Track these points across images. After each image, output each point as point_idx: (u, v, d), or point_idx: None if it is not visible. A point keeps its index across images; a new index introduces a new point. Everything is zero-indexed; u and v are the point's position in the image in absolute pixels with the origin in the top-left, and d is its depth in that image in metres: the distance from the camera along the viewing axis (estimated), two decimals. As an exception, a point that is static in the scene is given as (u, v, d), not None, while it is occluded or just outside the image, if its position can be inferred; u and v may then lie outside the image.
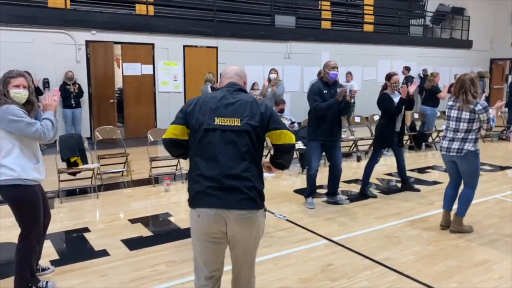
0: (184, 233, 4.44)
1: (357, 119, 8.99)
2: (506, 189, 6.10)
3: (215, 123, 2.38)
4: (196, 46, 10.92)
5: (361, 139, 8.48)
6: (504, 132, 10.48)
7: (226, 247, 2.48)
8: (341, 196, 5.58)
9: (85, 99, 9.56)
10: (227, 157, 2.34)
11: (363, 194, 5.74)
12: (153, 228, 4.66)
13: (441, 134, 9.42)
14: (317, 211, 5.14)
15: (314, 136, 5.20)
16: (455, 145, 4.27)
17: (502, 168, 7.42)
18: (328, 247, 4.14)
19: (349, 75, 11.24)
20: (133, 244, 4.17)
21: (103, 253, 3.96)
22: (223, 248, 2.47)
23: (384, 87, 5.85)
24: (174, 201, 5.61)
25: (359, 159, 8.06)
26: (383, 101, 5.72)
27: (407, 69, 11.66)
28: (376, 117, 9.06)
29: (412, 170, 7.04)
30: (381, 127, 5.80)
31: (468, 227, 4.46)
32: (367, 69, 13.64)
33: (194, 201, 2.40)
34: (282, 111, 7.61)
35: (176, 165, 6.64)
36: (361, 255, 3.94)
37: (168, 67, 10.64)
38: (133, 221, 4.82)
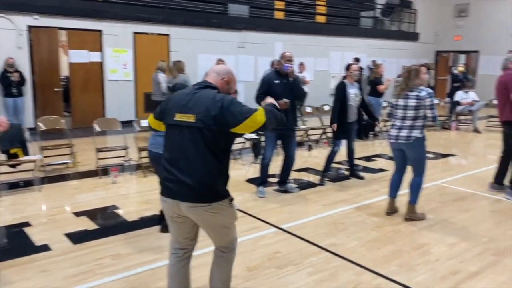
0: (131, 226, 4.36)
1: (308, 109, 9.12)
2: (446, 176, 6.42)
3: (175, 119, 2.53)
4: (147, 33, 10.64)
5: (312, 128, 8.63)
6: (447, 121, 11.01)
7: (192, 225, 2.67)
8: (292, 184, 5.66)
9: (28, 88, 9.10)
10: (182, 153, 2.50)
11: (319, 183, 5.86)
12: (98, 221, 4.53)
13: (387, 123, 9.80)
14: (268, 200, 5.20)
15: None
16: (404, 132, 4.42)
17: (444, 156, 7.80)
18: (276, 235, 4.20)
19: (301, 65, 11.37)
20: (77, 237, 4.04)
21: (44, 248, 3.81)
22: (187, 227, 2.66)
23: (345, 76, 5.95)
24: (121, 193, 5.48)
25: (310, 148, 8.21)
26: (336, 88, 5.83)
27: (357, 60, 11.94)
28: (327, 107, 9.28)
29: (360, 159, 7.25)
30: (332, 116, 5.93)
31: (421, 215, 4.63)
32: (319, 60, 13.86)
33: (160, 188, 2.63)
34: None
35: (125, 156, 6.47)
36: (308, 242, 4.02)
37: (117, 54, 10.31)
38: (78, 214, 4.67)
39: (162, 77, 8.37)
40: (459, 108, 10.78)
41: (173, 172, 2.50)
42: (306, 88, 11.04)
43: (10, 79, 8.48)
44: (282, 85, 5.19)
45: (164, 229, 4.18)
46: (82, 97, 9.97)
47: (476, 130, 10.37)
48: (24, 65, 9.05)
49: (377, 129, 9.67)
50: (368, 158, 7.48)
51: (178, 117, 2.50)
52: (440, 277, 3.38)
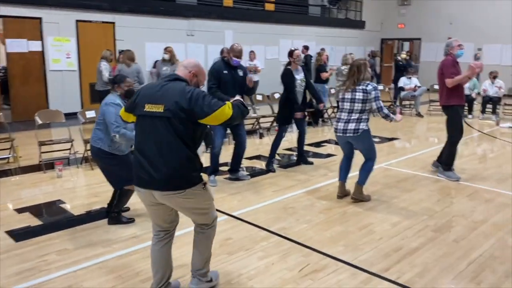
0: (78, 220, 4.24)
1: (259, 97, 9.18)
2: (391, 158, 6.70)
3: (145, 109, 2.61)
4: (91, 21, 10.24)
5: (263, 116, 8.70)
6: (392, 106, 11.44)
7: (170, 210, 2.76)
8: (243, 172, 5.71)
9: (-39, 79, 8.53)
10: (153, 142, 2.58)
11: (266, 170, 5.92)
12: (43, 217, 4.37)
13: (336, 110, 10.05)
14: (220, 188, 5.21)
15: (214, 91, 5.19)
16: (351, 126, 4.54)
17: (389, 140, 8.13)
18: (228, 222, 4.23)
19: (252, 53, 11.38)
20: (19, 235, 3.87)
21: (-16, 247, 3.63)
22: (165, 212, 2.75)
23: (289, 63, 5.99)
24: (67, 187, 5.29)
25: (261, 136, 8.28)
26: (284, 76, 5.89)
27: (306, 48, 12.12)
28: (277, 95, 9.36)
29: (310, 145, 7.41)
30: (282, 103, 6.00)
31: (368, 196, 4.82)
32: (270, 48, 13.94)
33: (134, 178, 2.69)
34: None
35: (70, 149, 6.25)
36: (259, 227, 4.09)
37: (60, 43, 9.87)
38: (20, 210, 4.47)
39: (104, 66, 8.10)
40: (402, 94, 11.24)
41: (144, 162, 2.58)
42: (257, 76, 11.12)
43: None
44: (231, 75, 5.22)
45: (112, 221, 4.11)
46: (22, 88, 9.47)
47: (419, 114, 10.87)
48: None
49: (326, 115, 9.91)
50: (317, 144, 7.66)
51: (147, 107, 2.59)
52: (383, 255, 3.55)
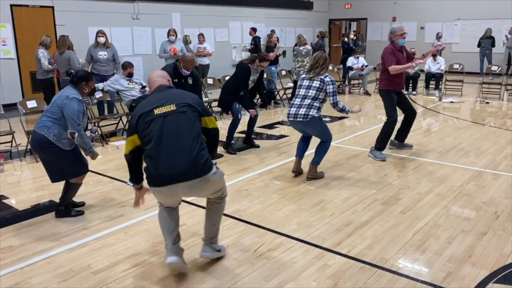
0: (24, 215, 4.05)
1: (210, 81, 9.08)
2: (342, 137, 6.87)
3: (155, 113, 2.79)
4: (27, 6, 9.64)
5: (215, 100, 8.60)
6: (340, 86, 11.69)
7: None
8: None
9: None
10: (171, 138, 2.75)
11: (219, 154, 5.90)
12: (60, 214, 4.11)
13: (287, 91, 10.14)
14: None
15: None
16: (301, 111, 4.66)
17: (339, 118, 8.31)
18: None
19: (201, 36, 11.18)
20: (-42, 234, 3.65)
21: None
22: (178, 198, 3.00)
23: (251, 61, 5.94)
24: (10, 182, 5.03)
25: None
26: (242, 70, 5.84)
27: (254, 30, 12.08)
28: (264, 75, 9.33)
29: (262, 127, 7.45)
30: (229, 91, 5.97)
31: (321, 173, 4.95)
32: (219, 30, 13.75)
33: (151, 181, 2.81)
34: (130, 75, 7.26)
35: (11, 142, 5.92)
36: (213, 211, 4.08)
37: (-6, 30, 9.23)
38: (-42, 208, 4.21)
39: (42, 53, 7.68)
40: (351, 73, 11.50)
41: (163, 161, 2.71)
42: (207, 60, 10.98)
43: None
44: (180, 84, 5.27)
45: (60, 215, 3.96)
46: (-46, 79, 8.83)
47: (367, 93, 11.19)
48: None
49: (277, 97, 9.96)
50: (270, 126, 7.72)
51: (157, 111, 2.80)
52: (335, 230, 3.66)
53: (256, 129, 6.72)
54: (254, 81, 6.02)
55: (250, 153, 6.03)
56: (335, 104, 4.71)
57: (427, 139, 6.74)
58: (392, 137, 5.87)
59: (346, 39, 12.71)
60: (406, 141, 6.07)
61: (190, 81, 5.31)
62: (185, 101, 2.88)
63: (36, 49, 7.87)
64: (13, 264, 3.16)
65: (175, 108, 2.81)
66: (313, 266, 3.10)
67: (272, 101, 9.76)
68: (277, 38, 10.23)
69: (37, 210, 4.15)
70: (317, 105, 4.70)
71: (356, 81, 11.89)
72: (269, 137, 6.95)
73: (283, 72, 10.12)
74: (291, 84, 10.24)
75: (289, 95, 10.11)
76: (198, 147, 2.75)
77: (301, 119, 4.68)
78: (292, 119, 4.76)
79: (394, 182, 4.81)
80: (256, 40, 11.45)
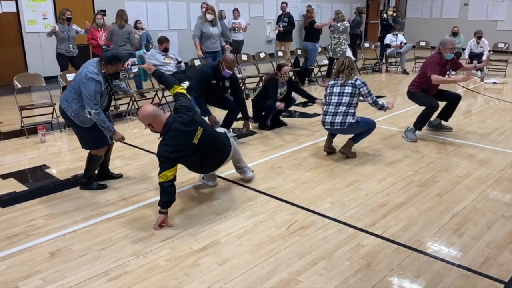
0: (64, 184, 4.21)
1: (244, 57, 9.02)
2: (377, 116, 6.68)
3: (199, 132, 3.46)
4: (67, -20, 9.77)
5: (249, 77, 8.59)
6: (377, 64, 11.39)
7: None
8: (230, 133, 5.65)
9: None
10: (213, 144, 3.64)
11: (252, 131, 5.91)
12: (28, 182, 4.32)
13: (322, 69, 9.97)
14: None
15: (200, 99, 5.21)
16: (338, 119, 4.64)
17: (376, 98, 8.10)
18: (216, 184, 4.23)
19: (236, 11, 11.07)
20: (5, 201, 3.83)
21: (-31, 214, 3.59)
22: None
23: (276, 72, 5.99)
24: (51, 152, 5.22)
25: (247, 97, 8.18)
26: (270, 83, 5.87)
27: (285, 4, 11.76)
28: (263, 55, 9.25)
29: (296, 105, 7.36)
30: (260, 106, 5.99)
31: (354, 153, 4.89)
32: (254, 5, 13.56)
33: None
34: (166, 50, 7.30)
35: (52, 113, 6.11)
36: (246, 187, 4.11)
37: (35, 3, 9.43)
38: (4, 176, 4.41)
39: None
40: (388, 51, 11.15)
41: (214, 155, 3.66)
42: (241, 35, 10.89)
43: None
44: (217, 86, 5.25)
45: (83, 187, 4.09)
46: (-2, 52, 9.14)
47: (404, 72, 10.85)
48: None
49: (312, 75, 9.80)
50: (304, 104, 7.62)
51: (199, 131, 3.48)
52: (369, 210, 3.62)
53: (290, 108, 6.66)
54: (283, 94, 6.02)
55: (283, 131, 6.00)
56: (374, 103, 4.74)
57: (467, 121, 6.50)
58: (433, 118, 5.71)
59: (385, 15, 12.28)
60: (446, 123, 5.89)
61: (227, 83, 5.29)
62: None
63: (73, 23, 7.97)
64: (56, 231, 3.30)
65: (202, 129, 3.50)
66: (346, 245, 3.09)
67: (307, 78, 9.64)
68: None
69: (77, 180, 4.30)
70: (353, 111, 4.67)
71: (393, 59, 11.53)
72: (302, 115, 6.88)
73: (319, 49, 9.91)
74: (326, 61, 10.05)
75: (324, 73, 9.94)
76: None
77: (338, 127, 4.67)
78: (328, 127, 4.76)
79: (431, 164, 4.69)
80: (290, 16, 11.14)
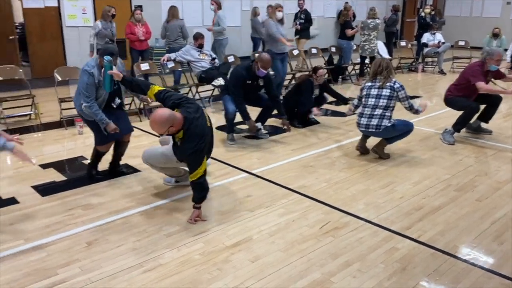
0: (102, 176, 4.30)
1: (295, 52, 9.08)
2: (412, 117, 6.51)
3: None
4: (106, -25, 9.98)
5: (300, 71, 8.59)
6: (413, 63, 11.13)
7: None
8: (262, 130, 5.67)
9: (-21, 36, 8.51)
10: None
11: (284, 129, 5.87)
12: (67, 172, 4.45)
13: (356, 67, 9.83)
14: (238, 146, 5.21)
15: (241, 103, 5.22)
16: (374, 122, 4.56)
17: (411, 98, 7.90)
18: (247, 180, 4.25)
19: (270, 8, 10.99)
20: (45, 190, 3.97)
21: (12, 201, 3.73)
22: None
23: (311, 74, 6.00)
24: (88, 144, 5.31)
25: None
26: (305, 85, 5.90)
27: (303, 1, 11.51)
28: (314, 50, 9.23)
29: (329, 103, 7.28)
30: (289, 100, 6.03)
31: (387, 154, 4.80)
32: (289, 1, 13.43)
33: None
34: (201, 46, 7.36)
35: (90, 106, 6.25)
36: (279, 185, 4.10)
37: (76, -2, 9.69)
38: (44, 166, 4.56)
39: (95, 25, 7.77)
40: (425, 50, 10.87)
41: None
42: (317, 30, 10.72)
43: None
44: (252, 86, 5.23)
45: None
46: (40, 45, 9.43)
47: (441, 72, 10.55)
48: (-27, 12, 8.41)
49: (346, 73, 9.67)
50: (337, 102, 7.52)
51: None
52: (405, 213, 3.54)
53: (323, 106, 6.60)
54: (316, 95, 6.02)
55: (316, 129, 5.95)
56: (410, 108, 4.67)
57: (507, 124, 6.27)
58: (473, 120, 5.54)
59: (422, 13, 11.97)
60: (486, 126, 5.69)
61: (261, 82, 5.27)
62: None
63: (111, 19, 8.13)
64: (93, 221, 3.39)
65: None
66: (380, 248, 3.03)
67: (340, 77, 9.52)
68: (353, 12, 9.83)
69: (114, 172, 4.39)
70: (389, 114, 4.59)
71: (430, 59, 11.24)
72: (335, 113, 6.80)
73: (353, 47, 9.76)
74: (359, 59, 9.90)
75: (358, 71, 9.79)
76: None
77: (373, 130, 4.60)
78: (363, 129, 4.70)
79: (470, 168, 4.55)
80: (307, 13, 10.50)
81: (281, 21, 7.41)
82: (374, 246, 3.05)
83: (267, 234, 3.21)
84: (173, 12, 8.11)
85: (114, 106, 4.07)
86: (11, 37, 8.92)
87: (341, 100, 6.28)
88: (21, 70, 6.65)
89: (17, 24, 9.62)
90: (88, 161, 4.42)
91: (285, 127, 5.46)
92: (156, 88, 3.58)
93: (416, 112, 4.70)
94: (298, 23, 10.38)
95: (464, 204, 3.71)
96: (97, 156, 4.23)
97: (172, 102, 3.40)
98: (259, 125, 5.52)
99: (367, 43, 9.01)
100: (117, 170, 4.34)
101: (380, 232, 3.24)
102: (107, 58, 3.67)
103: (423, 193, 3.93)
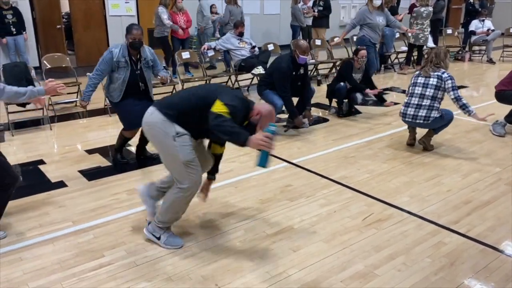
0: (143, 163, 4.40)
1: (318, 42, 8.85)
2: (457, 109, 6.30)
3: None
4: (148, -36, 10.12)
5: (321, 62, 8.43)
6: (460, 52, 10.67)
7: None
8: (306, 123, 5.60)
9: (29, 25, 8.84)
10: None
11: (324, 118, 5.81)
12: (111, 158, 4.57)
13: (399, 55, 9.53)
14: (278, 136, 5.18)
15: (289, 99, 5.13)
16: (422, 112, 4.38)
17: (458, 88, 7.60)
18: (287, 169, 4.22)
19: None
20: (91, 174, 4.09)
21: (61, 184, 3.87)
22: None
23: (352, 57, 5.85)
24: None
25: (319, 83, 8.05)
26: (345, 67, 5.75)
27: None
28: (337, 39, 8.98)
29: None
30: (333, 85, 5.87)
31: (432, 146, 4.65)
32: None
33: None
34: (241, 34, 7.34)
35: (133, 93, 6.39)
36: (319, 175, 4.05)
37: (118, -12, 9.89)
38: (90, 151, 4.71)
39: (161, 10, 7.97)
40: (473, 38, 10.40)
41: None
42: (310, 20, 10.48)
43: (6, 17, 8.20)
44: (297, 76, 5.11)
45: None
46: (85, 34, 9.72)
47: (490, 61, 10.07)
48: (23, 2, 8.73)
49: (389, 61, 9.41)
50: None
51: None
52: (452, 207, 3.42)
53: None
54: (359, 80, 5.82)
55: (357, 119, 5.83)
56: (456, 99, 4.32)
57: None
58: None
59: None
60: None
61: (302, 70, 5.15)
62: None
63: (155, 8, 8.27)
64: (137, 206, 3.45)
65: None
66: (426, 242, 2.94)
67: (383, 65, 9.26)
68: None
69: (156, 159, 4.46)
70: (437, 105, 4.39)
71: (478, 48, 10.75)
72: (376, 103, 6.62)
73: (396, 34, 9.46)
74: (405, 48, 9.59)
75: (402, 60, 9.50)
76: None
77: (421, 121, 4.41)
78: (410, 120, 4.49)
79: (522, 161, 4.33)
80: (326, 0, 9.84)
81: (380, 8, 7.25)
82: (419, 240, 2.96)
83: (308, 224, 3.18)
84: None
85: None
86: (58, 26, 9.23)
87: (378, 99, 6.05)
88: (68, 58, 6.86)
89: (63, 13, 9.93)
90: (130, 148, 4.52)
91: (307, 119, 5.34)
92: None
93: (465, 107, 4.32)
94: (316, 10, 9.72)
95: (516, 200, 3.53)
96: (123, 141, 4.38)
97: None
98: (305, 121, 5.44)
99: (421, 32, 8.68)
100: (144, 154, 4.47)
101: (426, 226, 3.14)
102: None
103: (472, 186, 3.77)
